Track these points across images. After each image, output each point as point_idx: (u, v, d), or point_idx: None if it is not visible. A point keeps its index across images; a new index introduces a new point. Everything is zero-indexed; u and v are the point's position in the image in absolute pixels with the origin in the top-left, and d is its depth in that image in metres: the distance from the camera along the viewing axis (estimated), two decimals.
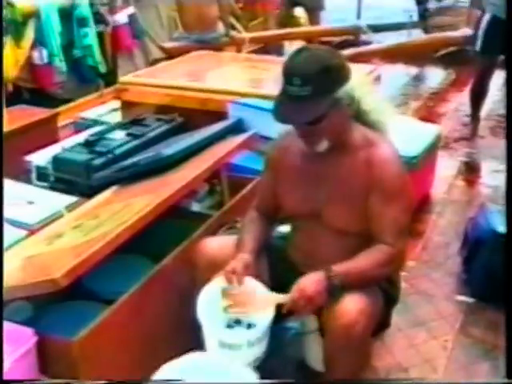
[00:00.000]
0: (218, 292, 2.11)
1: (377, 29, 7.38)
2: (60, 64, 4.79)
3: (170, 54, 5.60)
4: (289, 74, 2.01)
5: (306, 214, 2.23)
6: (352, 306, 1.97)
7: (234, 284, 2.08)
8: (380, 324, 2.24)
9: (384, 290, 2.18)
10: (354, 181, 2.11)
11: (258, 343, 2.05)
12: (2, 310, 1.90)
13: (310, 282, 1.98)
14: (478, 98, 4.94)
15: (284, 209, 2.32)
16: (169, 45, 6.00)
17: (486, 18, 4.46)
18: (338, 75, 2.02)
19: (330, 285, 1.98)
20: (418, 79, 7.02)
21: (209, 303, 2.09)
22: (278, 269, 2.30)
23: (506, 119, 2.47)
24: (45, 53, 4.76)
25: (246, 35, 6.45)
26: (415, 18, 8.16)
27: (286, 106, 2.03)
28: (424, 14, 8.16)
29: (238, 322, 2.14)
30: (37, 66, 4.81)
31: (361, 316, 1.97)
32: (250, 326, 2.12)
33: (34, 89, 4.87)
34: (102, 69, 5.21)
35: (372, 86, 2.34)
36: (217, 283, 2.13)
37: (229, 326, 2.14)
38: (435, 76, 6.54)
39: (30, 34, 4.66)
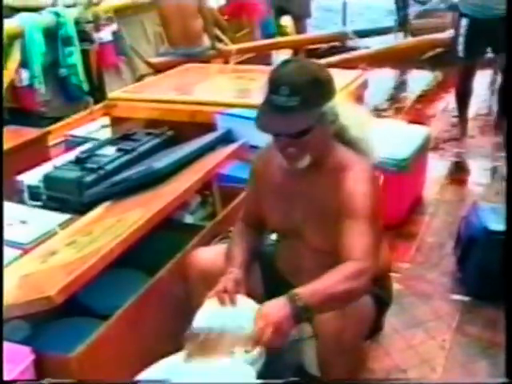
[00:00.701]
0: (212, 316, 2.03)
1: (362, 34, 7.41)
2: (39, 86, 4.81)
3: (157, 69, 5.59)
4: (276, 84, 1.97)
5: (287, 230, 2.24)
6: (341, 311, 1.96)
7: (226, 305, 2.04)
8: (372, 328, 2.25)
9: (374, 294, 2.17)
10: (327, 202, 2.07)
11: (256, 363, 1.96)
12: (2, 313, 1.90)
13: (273, 309, 1.84)
14: (463, 99, 4.94)
15: (267, 223, 2.31)
16: (155, 60, 6.00)
17: (465, 21, 4.42)
18: (325, 89, 2.00)
19: (294, 308, 1.82)
20: (405, 82, 7.05)
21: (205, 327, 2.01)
22: (270, 278, 2.31)
23: (506, 119, 2.48)
24: (26, 75, 4.78)
25: (232, 47, 6.43)
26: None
27: (272, 116, 1.98)
28: (404, 19, 8.21)
29: None
30: (18, 88, 4.83)
31: (351, 321, 1.97)
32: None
33: (17, 109, 4.88)
34: (86, 87, 5.23)
35: (352, 102, 2.32)
36: (210, 305, 2.07)
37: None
38: (422, 78, 6.56)
39: (16, 55, 4.68)
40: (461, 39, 4.42)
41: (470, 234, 3.06)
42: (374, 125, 3.90)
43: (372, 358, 2.65)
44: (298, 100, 1.93)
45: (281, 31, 7.85)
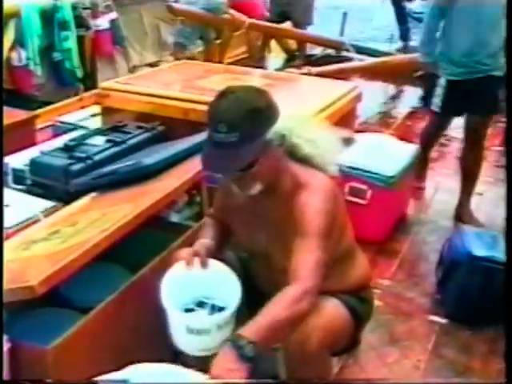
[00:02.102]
0: (181, 276, 2.09)
1: (359, 50, 7.42)
2: (34, 67, 4.76)
3: (176, 15, 6.13)
4: (214, 120, 1.92)
5: (254, 251, 2.21)
6: (307, 320, 1.94)
7: (196, 267, 2.08)
8: (349, 341, 2.25)
9: (351, 306, 2.17)
10: (286, 223, 2.02)
11: (226, 326, 2.02)
12: (2, 311, 1.86)
13: (221, 368, 1.76)
14: (428, 144, 4.47)
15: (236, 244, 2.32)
16: (176, 5, 6.19)
17: (442, 81, 3.90)
18: (266, 117, 1.94)
19: (241, 355, 1.75)
20: (396, 98, 7.07)
21: (172, 288, 2.05)
22: (248, 289, 2.29)
23: (506, 118, 2.49)
24: (23, 54, 4.73)
25: (245, 19, 6.68)
26: (396, 36, 8.27)
27: (213, 154, 1.94)
28: (406, 34, 8.25)
29: (201, 304, 2.14)
30: (15, 67, 4.77)
31: (316, 331, 1.97)
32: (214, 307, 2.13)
33: (10, 90, 4.81)
34: (80, 73, 5.18)
35: (304, 118, 2.25)
36: (179, 267, 2.11)
37: (192, 309, 2.13)
38: (413, 95, 6.58)
39: (9, 35, 4.63)
40: (438, 96, 3.95)
41: (453, 257, 3.07)
42: (363, 139, 3.97)
43: (347, 373, 2.64)
44: (237, 136, 1.88)
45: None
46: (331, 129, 2.26)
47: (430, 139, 4.44)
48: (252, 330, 1.80)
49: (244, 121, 1.89)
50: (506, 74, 2.78)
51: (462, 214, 3.99)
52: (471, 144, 3.99)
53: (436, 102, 3.97)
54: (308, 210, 1.97)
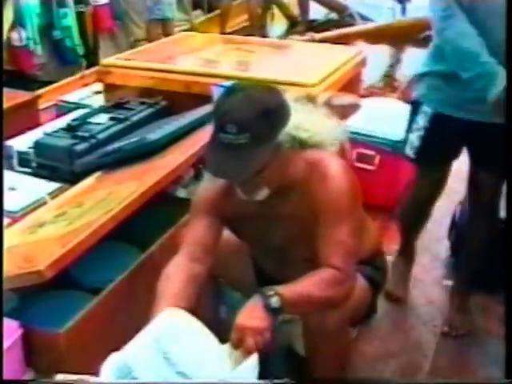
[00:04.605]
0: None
1: (364, 18, 7.32)
2: (34, 47, 4.71)
3: None
4: (222, 120, 1.77)
5: (268, 250, 2.13)
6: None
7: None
8: (366, 311, 2.22)
9: (367, 275, 2.13)
10: (305, 214, 1.93)
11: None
12: (2, 310, 1.85)
13: (247, 315, 1.74)
14: (414, 224, 3.03)
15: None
16: None
17: (424, 116, 2.62)
18: (278, 118, 1.80)
19: (267, 305, 1.74)
20: (401, 61, 6.97)
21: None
22: (260, 273, 2.26)
23: (506, 118, 2.43)
24: (24, 34, 4.68)
25: None
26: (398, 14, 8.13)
27: (222, 158, 1.78)
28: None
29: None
30: (15, 47, 4.73)
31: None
32: None
33: (11, 71, 4.77)
34: (81, 51, 5.14)
35: (308, 104, 2.04)
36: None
37: None
38: (419, 57, 6.49)
39: (8, 14, 4.58)
40: (415, 136, 2.67)
41: (466, 220, 3.01)
42: (369, 104, 3.91)
43: (362, 342, 2.62)
44: (247, 137, 1.74)
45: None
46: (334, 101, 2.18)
47: (413, 219, 3.01)
48: (284, 288, 1.78)
49: (255, 121, 1.75)
50: (506, 74, 2.49)
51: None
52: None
53: (411, 146, 2.72)
54: (331, 197, 1.89)
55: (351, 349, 2.45)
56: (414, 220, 3.00)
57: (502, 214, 2.83)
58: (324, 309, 1.91)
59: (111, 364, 1.60)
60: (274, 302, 1.75)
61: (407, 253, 3.01)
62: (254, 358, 1.68)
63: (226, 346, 1.73)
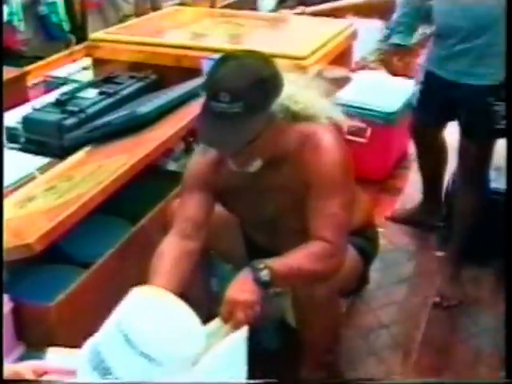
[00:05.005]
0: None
1: None
2: (18, 23, 4.64)
3: None
4: (215, 89, 1.74)
5: (261, 222, 2.11)
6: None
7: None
8: (358, 281, 2.23)
9: (358, 246, 2.13)
10: (297, 185, 1.92)
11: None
12: (2, 310, 1.84)
13: (237, 289, 1.73)
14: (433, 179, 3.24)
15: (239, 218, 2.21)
16: None
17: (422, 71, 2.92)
18: (272, 87, 1.79)
19: (257, 278, 1.74)
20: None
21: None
22: (251, 244, 2.26)
23: (506, 117, 2.43)
24: (6, 10, 4.61)
25: None
26: None
27: (215, 127, 1.76)
28: None
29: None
30: None
31: None
32: None
33: None
34: (67, 27, 5.07)
35: (300, 75, 2.07)
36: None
37: None
38: None
39: None
40: (417, 88, 2.97)
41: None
42: (360, 77, 3.89)
43: (354, 314, 2.63)
44: (240, 106, 1.72)
45: None
46: (325, 74, 2.15)
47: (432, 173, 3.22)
48: (274, 262, 1.78)
49: (249, 90, 1.73)
50: (506, 74, 2.47)
51: None
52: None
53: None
54: (324, 170, 1.87)
55: (342, 320, 2.46)
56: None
57: (494, 185, 2.85)
58: (314, 282, 1.91)
59: (86, 353, 1.49)
60: (264, 275, 1.75)
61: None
62: (243, 331, 1.66)
63: (217, 320, 1.71)
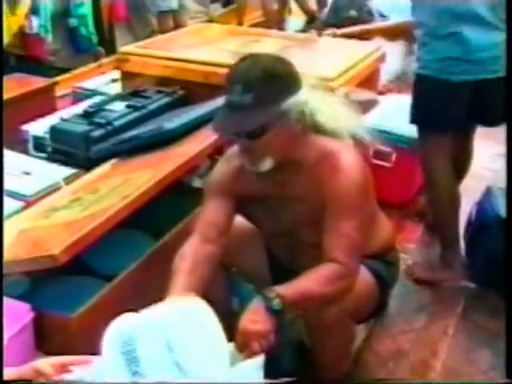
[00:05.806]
0: None
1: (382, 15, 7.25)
2: (46, 34, 4.69)
3: None
4: (230, 82, 1.86)
5: (278, 233, 2.12)
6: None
7: None
8: (376, 306, 2.21)
9: (376, 270, 2.12)
10: (314, 199, 1.94)
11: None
12: (2, 309, 1.83)
13: (250, 319, 1.74)
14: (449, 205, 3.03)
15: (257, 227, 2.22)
16: None
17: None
18: (284, 84, 1.86)
19: (269, 308, 1.74)
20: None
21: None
22: (274, 262, 2.25)
23: (506, 116, 2.41)
24: (36, 22, 4.67)
25: None
26: None
27: (225, 116, 1.88)
28: None
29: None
30: (27, 34, 4.72)
31: None
32: None
33: (23, 56, 4.77)
34: (95, 39, 5.13)
35: (328, 93, 2.08)
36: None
37: None
38: None
39: (25, 1, 4.56)
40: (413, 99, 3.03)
41: (482, 220, 2.99)
42: (387, 100, 3.88)
43: (373, 340, 2.60)
44: (251, 97, 1.81)
45: None
46: (352, 96, 2.16)
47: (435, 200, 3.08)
48: (284, 289, 1.79)
49: (260, 82, 1.82)
50: (506, 74, 2.46)
51: None
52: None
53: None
54: (341, 190, 1.89)
55: (354, 342, 2.42)
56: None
57: None
58: (324, 304, 1.91)
59: (121, 331, 1.51)
60: (276, 304, 1.75)
61: None
62: (259, 359, 1.64)
63: (232, 346, 1.68)
